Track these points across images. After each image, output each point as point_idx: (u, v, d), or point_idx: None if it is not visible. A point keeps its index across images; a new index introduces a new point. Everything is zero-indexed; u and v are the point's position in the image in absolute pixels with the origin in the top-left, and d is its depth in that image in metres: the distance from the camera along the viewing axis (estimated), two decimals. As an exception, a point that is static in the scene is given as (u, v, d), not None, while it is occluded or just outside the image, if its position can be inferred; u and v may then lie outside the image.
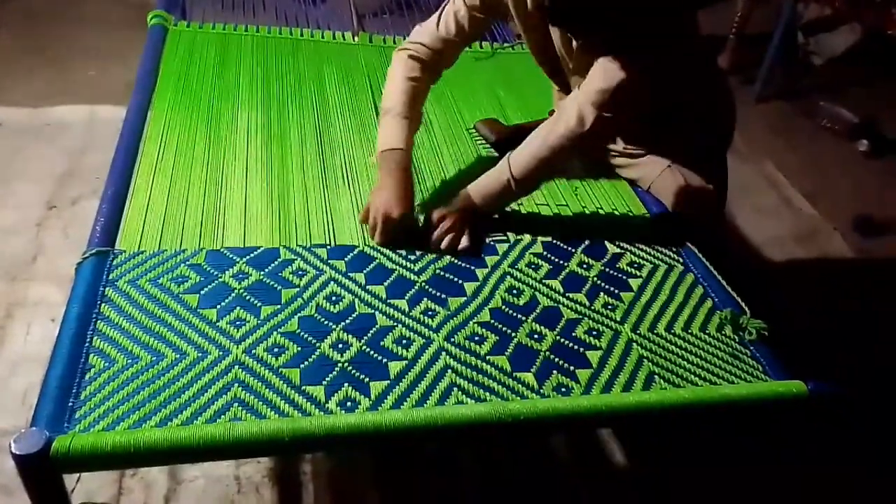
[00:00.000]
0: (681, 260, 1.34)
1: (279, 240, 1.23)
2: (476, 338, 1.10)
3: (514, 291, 1.21)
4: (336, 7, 2.24)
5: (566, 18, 1.24)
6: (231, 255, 1.18)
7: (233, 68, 1.72)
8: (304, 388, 0.97)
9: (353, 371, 1.01)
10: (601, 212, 1.45)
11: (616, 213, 1.45)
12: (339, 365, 1.02)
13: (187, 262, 1.15)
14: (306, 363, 1.01)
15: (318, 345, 1.05)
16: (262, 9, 2.09)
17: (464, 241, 1.27)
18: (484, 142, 1.61)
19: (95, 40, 2.92)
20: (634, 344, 1.14)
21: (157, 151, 1.39)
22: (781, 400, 1.03)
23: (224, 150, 1.43)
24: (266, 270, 1.16)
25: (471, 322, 1.13)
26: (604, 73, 1.22)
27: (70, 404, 0.91)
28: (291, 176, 1.39)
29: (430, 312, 1.14)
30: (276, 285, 1.14)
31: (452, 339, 1.09)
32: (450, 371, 1.03)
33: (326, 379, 0.99)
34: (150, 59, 1.68)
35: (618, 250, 1.34)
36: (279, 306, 1.10)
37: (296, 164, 1.43)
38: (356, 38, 1.95)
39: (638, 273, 1.29)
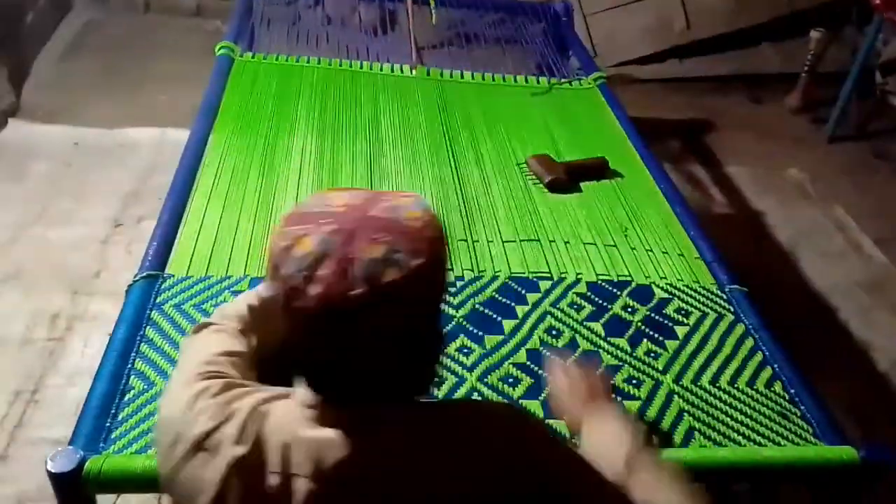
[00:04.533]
0: (732, 309, 1.29)
1: (322, 269, 1.25)
2: (510, 380, 1.08)
3: (554, 332, 1.19)
4: (398, 40, 2.28)
5: None
6: (274, 283, 1.20)
7: (292, 98, 1.77)
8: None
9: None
10: (651, 254, 1.41)
11: (667, 255, 1.41)
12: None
13: (231, 289, 1.18)
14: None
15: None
16: (326, 41, 2.15)
17: None
18: (534, 177, 1.59)
19: (171, 66, 3.05)
20: (676, 396, 1.09)
21: (213, 178, 1.44)
22: (830, 467, 0.97)
23: (277, 177, 1.47)
24: (307, 300, 1.17)
25: (506, 363, 1.11)
26: None
27: (108, 424, 0.94)
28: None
29: (465, 350, 1.13)
30: (315, 315, 1.15)
31: (485, 380, 1.07)
32: (481, 413, 1.02)
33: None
34: (215, 88, 1.75)
35: (665, 295, 1.30)
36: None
37: (344, 195, 1.45)
38: (413, 71, 1.98)
39: (685, 320, 1.25)
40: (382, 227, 0.64)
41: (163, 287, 1.16)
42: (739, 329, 1.25)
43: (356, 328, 0.63)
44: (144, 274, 1.17)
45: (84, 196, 2.28)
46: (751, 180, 2.94)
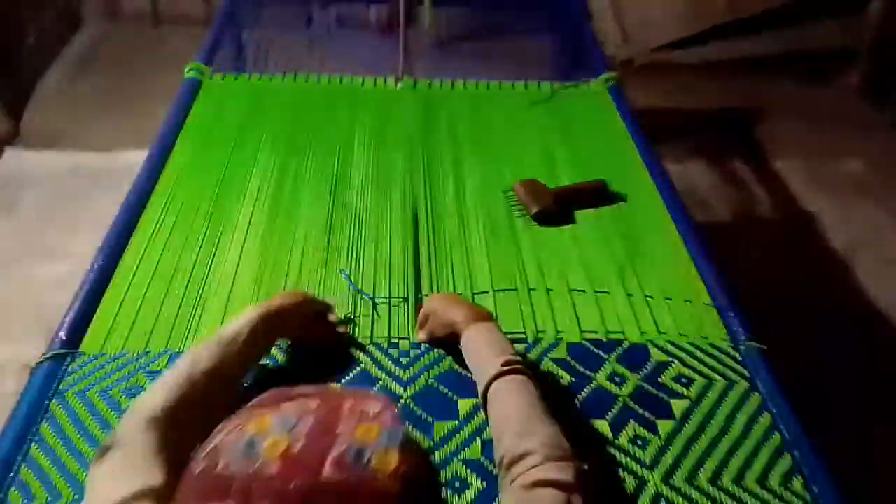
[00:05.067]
0: (746, 373, 1.07)
1: (259, 337, 1.08)
2: (457, 483, 0.90)
3: (523, 413, 0.99)
4: (394, 46, 2.10)
5: None
6: (198, 359, 1.04)
7: (259, 124, 1.60)
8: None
9: None
10: (650, 301, 1.19)
11: (670, 302, 1.19)
12: None
13: (146, 369, 1.02)
14: None
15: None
16: (308, 51, 1.99)
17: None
18: (521, 208, 1.39)
19: (177, 81, 2.95)
20: (663, 501, 0.89)
21: (153, 225, 1.30)
22: None
23: (224, 224, 1.31)
24: (233, 379, 1.02)
25: (454, 459, 0.92)
26: None
27: (-32, 557, 0.80)
28: (288, 257, 1.24)
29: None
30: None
31: (425, 487, 0.89)
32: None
33: None
34: (175, 116, 1.61)
35: (664, 357, 1.09)
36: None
37: (297, 241, 1.28)
38: (399, 84, 1.79)
39: (685, 392, 1.03)
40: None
41: (70, 369, 1.02)
42: (754, 401, 1.03)
43: None
44: (49, 354, 1.03)
45: (75, 227, 2.20)
46: (802, 176, 2.64)
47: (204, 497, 0.48)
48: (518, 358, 0.92)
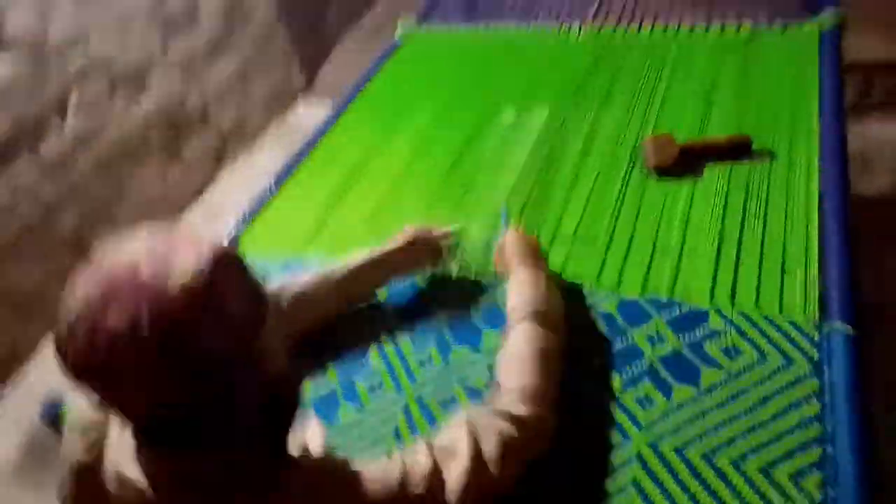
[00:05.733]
0: (817, 354, 0.92)
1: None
2: (451, 404, 0.97)
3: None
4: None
5: None
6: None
7: (432, 76, 1.75)
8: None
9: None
10: (742, 267, 1.07)
11: (764, 270, 1.05)
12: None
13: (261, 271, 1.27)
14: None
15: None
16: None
17: None
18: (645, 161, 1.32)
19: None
20: (636, 462, 0.84)
21: (320, 162, 1.55)
22: None
23: (374, 164, 1.50)
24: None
25: (456, 382, 0.99)
26: None
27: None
28: (406, 202, 1.38)
29: (393, 354, 1.04)
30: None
31: (423, 401, 0.98)
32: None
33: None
34: (374, 67, 1.83)
35: (721, 326, 0.98)
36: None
37: (420, 189, 1.40)
38: (581, 33, 1.76)
39: (724, 362, 0.93)
40: (136, 295, 0.58)
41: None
42: (809, 386, 0.89)
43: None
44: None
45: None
46: None
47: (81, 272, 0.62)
48: (545, 310, 0.94)
